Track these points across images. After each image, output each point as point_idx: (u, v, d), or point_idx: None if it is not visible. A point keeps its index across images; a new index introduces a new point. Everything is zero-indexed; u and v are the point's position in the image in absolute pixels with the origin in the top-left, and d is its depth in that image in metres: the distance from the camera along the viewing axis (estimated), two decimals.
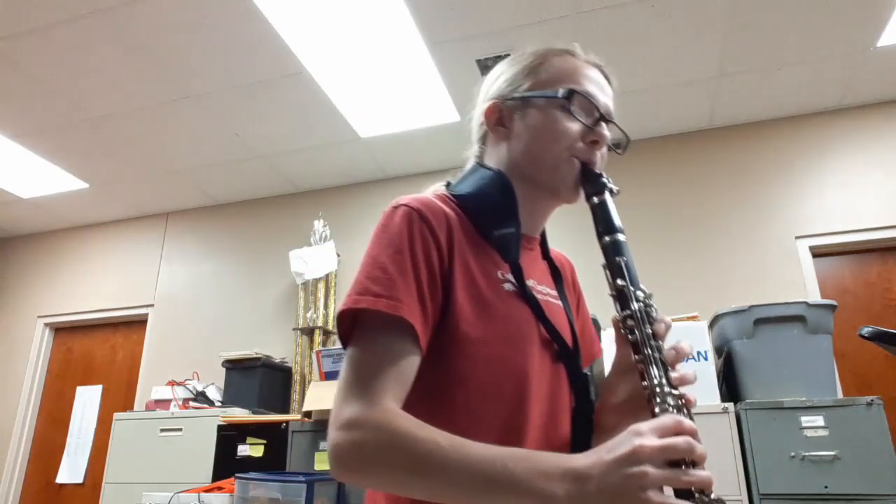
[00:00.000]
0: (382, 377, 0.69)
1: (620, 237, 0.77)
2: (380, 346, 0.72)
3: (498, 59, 2.90)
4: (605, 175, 0.82)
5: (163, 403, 3.45)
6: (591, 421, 0.85)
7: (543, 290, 0.88)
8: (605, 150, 0.87)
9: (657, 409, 0.67)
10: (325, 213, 3.98)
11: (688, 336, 2.51)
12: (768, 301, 2.56)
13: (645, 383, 0.70)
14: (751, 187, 3.33)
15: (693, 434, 0.62)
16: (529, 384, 0.78)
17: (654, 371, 0.69)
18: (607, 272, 0.77)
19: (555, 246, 0.99)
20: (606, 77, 0.92)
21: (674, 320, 2.84)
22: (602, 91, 0.88)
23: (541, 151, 0.85)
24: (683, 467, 0.60)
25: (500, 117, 0.90)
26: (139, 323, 4.32)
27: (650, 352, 0.70)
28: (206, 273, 4.24)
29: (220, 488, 2.69)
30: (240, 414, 3.14)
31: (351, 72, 2.99)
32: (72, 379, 4.40)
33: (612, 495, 0.59)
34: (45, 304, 4.58)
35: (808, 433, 2.23)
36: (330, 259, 3.78)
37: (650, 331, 0.71)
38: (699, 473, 0.60)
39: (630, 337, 0.73)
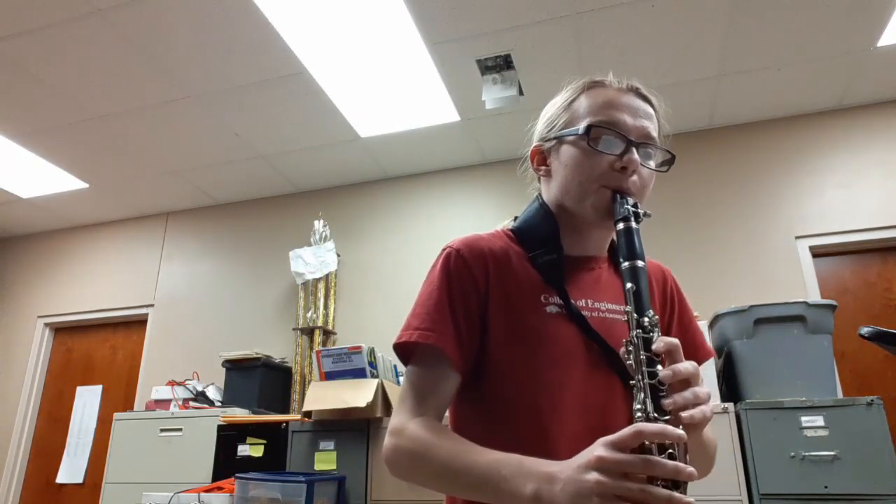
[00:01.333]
0: (422, 395, 0.86)
1: (639, 264, 0.81)
2: (421, 370, 0.88)
3: (498, 59, 2.92)
4: (631, 201, 0.85)
5: (163, 403, 3.45)
6: None
7: (602, 308, 0.92)
8: (644, 172, 0.90)
9: None
10: (325, 213, 3.98)
11: None
12: (768, 301, 2.56)
13: (634, 408, 0.73)
14: (751, 187, 3.33)
15: (659, 440, 0.65)
16: (566, 397, 0.84)
17: (641, 396, 0.72)
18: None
19: None
20: (646, 97, 0.94)
21: None
22: (634, 115, 0.90)
23: (573, 186, 0.91)
24: (657, 483, 0.64)
25: (541, 158, 0.99)
26: (139, 323, 4.32)
27: (640, 377, 0.73)
28: (206, 273, 4.24)
29: (220, 488, 2.69)
30: (240, 414, 3.15)
31: (351, 72, 2.99)
32: (72, 379, 4.40)
33: (571, 495, 0.66)
34: (45, 304, 4.58)
35: (808, 433, 2.23)
36: (330, 259, 3.78)
37: (645, 357, 0.74)
38: (656, 493, 0.63)
39: (628, 362, 0.76)
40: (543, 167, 0.98)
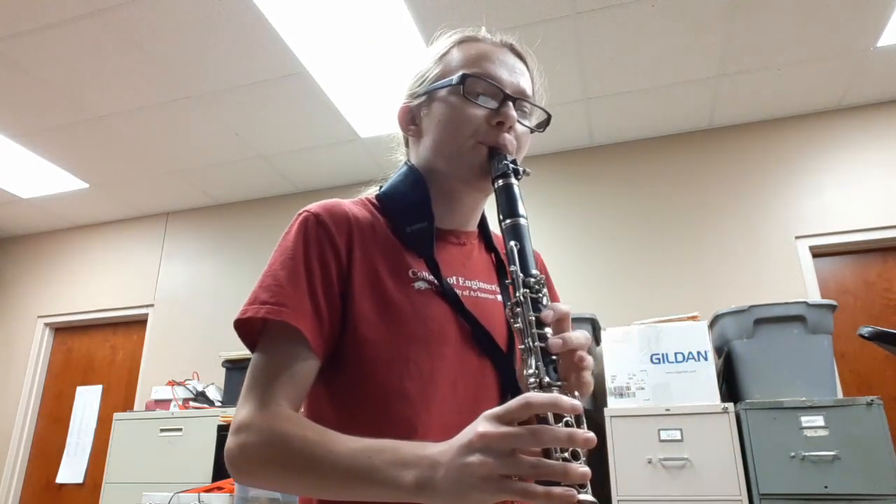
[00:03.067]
0: (273, 382, 0.71)
1: (521, 221, 0.74)
2: (271, 352, 0.74)
3: None
4: (510, 157, 0.79)
5: (163, 403, 3.45)
6: None
7: (473, 286, 0.85)
8: (520, 130, 0.83)
9: None
10: None
11: (688, 336, 2.53)
12: (768, 301, 2.56)
13: (525, 373, 0.66)
14: (751, 187, 3.33)
15: (550, 410, 0.57)
16: (436, 382, 0.76)
17: (533, 361, 0.65)
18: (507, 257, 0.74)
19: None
20: (521, 56, 0.89)
21: (674, 320, 2.81)
22: (511, 71, 0.84)
23: (446, 142, 0.83)
24: (556, 456, 0.57)
25: (410, 117, 0.89)
26: (139, 323, 4.32)
27: (531, 341, 0.67)
28: (206, 273, 4.24)
29: (220, 488, 2.69)
30: None
31: (351, 72, 2.99)
32: (72, 379, 4.40)
33: (454, 481, 0.58)
34: (45, 304, 4.58)
35: (808, 433, 2.23)
36: None
37: (534, 318, 0.68)
38: (548, 465, 0.56)
39: (515, 325, 0.70)
40: (413, 127, 0.89)
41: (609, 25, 2.70)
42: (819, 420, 2.24)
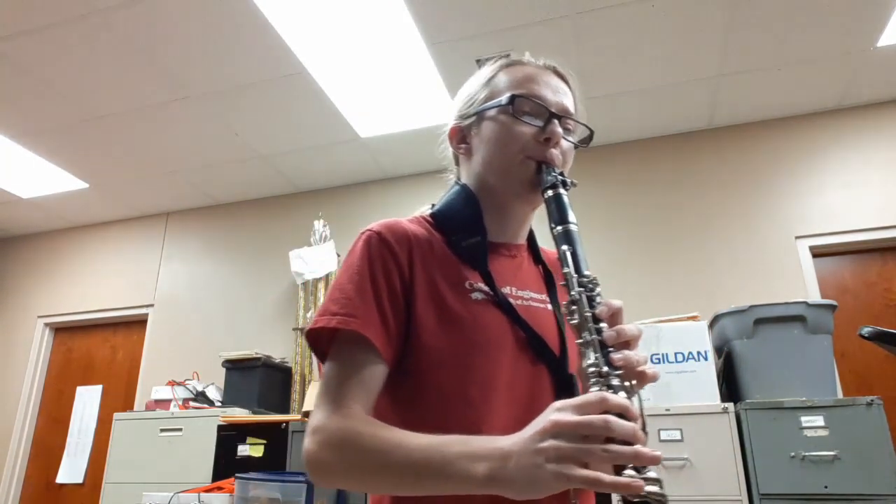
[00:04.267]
0: (345, 387, 0.76)
1: (571, 227, 0.79)
2: (342, 360, 0.79)
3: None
4: (557, 170, 0.84)
5: (163, 403, 3.45)
6: None
7: (525, 295, 0.90)
8: (565, 145, 0.89)
9: (592, 390, 0.68)
10: (325, 213, 3.98)
11: (688, 336, 2.53)
12: (768, 301, 2.56)
13: (584, 364, 0.70)
14: (751, 187, 3.33)
15: (620, 411, 0.61)
16: (496, 387, 0.80)
17: (592, 353, 0.70)
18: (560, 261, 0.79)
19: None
20: (563, 77, 0.95)
21: (674, 320, 2.82)
22: (555, 91, 0.91)
23: (496, 159, 0.89)
24: (614, 444, 0.59)
25: (461, 137, 0.95)
26: (139, 323, 4.32)
27: (589, 334, 0.71)
28: (206, 273, 4.24)
29: (220, 488, 2.69)
30: (240, 414, 3.15)
31: (351, 72, 2.99)
32: (72, 379, 4.40)
33: (526, 469, 0.60)
34: (45, 304, 4.58)
35: (808, 433, 2.23)
36: (330, 259, 3.78)
37: (590, 313, 0.72)
38: (619, 449, 0.58)
39: (572, 322, 0.74)
40: (463, 146, 0.95)
41: (609, 25, 2.70)
42: (819, 420, 2.24)
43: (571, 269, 0.76)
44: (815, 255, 3.14)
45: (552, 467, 0.59)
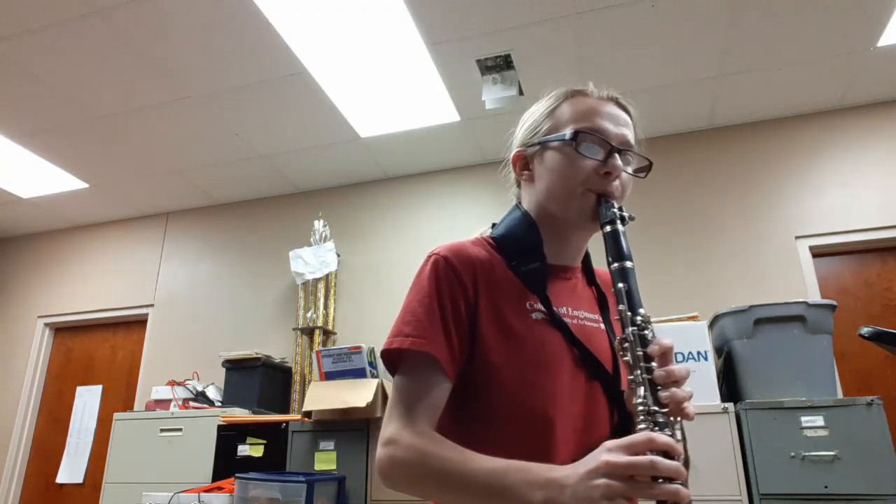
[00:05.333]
0: (414, 403, 0.84)
1: (627, 265, 0.84)
2: (413, 378, 0.86)
3: (498, 59, 2.92)
4: (617, 205, 0.88)
5: (163, 403, 3.45)
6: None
7: (580, 316, 0.95)
8: (624, 177, 0.93)
9: (640, 427, 0.73)
10: (325, 213, 3.98)
11: (688, 336, 2.53)
12: (768, 301, 2.56)
13: (634, 401, 0.76)
14: (751, 187, 3.33)
15: (667, 450, 0.68)
16: (557, 404, 0.85)
17: (641, 391, 0.75)
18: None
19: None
20: (624, 107, 0.98)
21: (674, 320, 2.82)
22: (615, 123, 0.93)
23: (558, 189, 0.93)
24: (659, 481, 0.66)
25: (524, 163, 1.00)
26: (139, 323, 4.32)
27: (640, 373, 0.76)
28: (206, 273, 4.24)
29: (220, 488, 2.69)
30: (240, 414, 3.15)
31: (351, 72, 2.99)
32: (72, 379, 4.40)
33: (580, 501, 0.68)
34: (45, 304, 4.58)
35: (808, 433, 2.23)
36: (330, 259, 3.78)
37: (641, 353, 0.77)
38: (665, 487, 0.66)
39: (625, 359, 0.79)
40: (526, 172, 0.99)
41: (609, 25, 2.70)
42: (819, 420, 2.24)
43: (626, 306, 0.81)
44: (815, 255, 3.14)
45: (604, 502, 0.66)
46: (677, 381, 0.77)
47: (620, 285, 0.83)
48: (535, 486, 0.71)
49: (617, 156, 0.91)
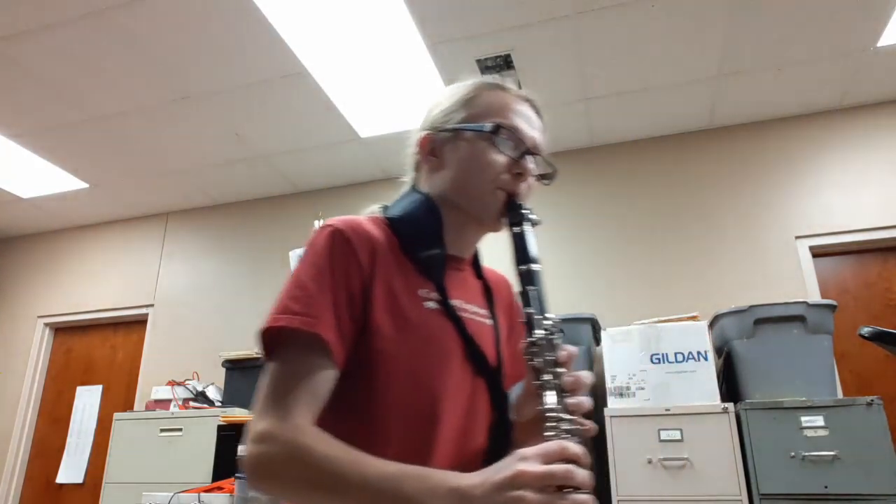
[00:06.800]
0: (296, 393, 0.73)
1: (534, 267, 0.81)
2: (295, 363, 0.75)
3: (498, 59, 2.92)
4: (526, 207, 0.86)
5: (163, 403, 3.45)
6: (508, 436, 0.88)
7: (471, 309, 0.91)
8: (531, 181, 0.91)
9: (548, 434, 0.70)
10: (325, 213, 3.96)
11: (688, 336, 2.53)
12: (768, 301, 2.56)
13: (540, 407, 0.73)
14: (751, 187, 3.33)
15: (577, 460, 0.65)
16: (444, 399, 0.81)
17: (550, 396, 0.72)
18: (520, 299, 0.80)
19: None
20: (537, 111, 0.95)
21: (674, 320, 2.82)
22: (530, 125, 0.91)
23: (468, 182, 0.89)
24: (566, 491, 0.63)
25: (432, 148, 0.95)
26: (139, 323, 4.32)
27: (548, 377, 0.74)
28: (207, 273, 4.23)
29: (220, 488, 2.69)
30: (240, 414, 3.14)
31: (351, 72, 2.99)
32: (72, 379, 4.40)
33: None
34: (45, 304, 4.58)
35: (808, 433, 2.24)
36: None
37: (553, 357, 0.75)
38: (578, 498, 0.63)
39: (531, 362, 0.76)
40: (433, 158, 0.94)
41: (609, 25, 2.70)
42: (819, 420, 2.24)
43: (536, 310, 0.77)
44: (815, 255, 3.14)
45: None
46: (582, 389, 0.75)
47: (527, 288, 0.79)
48: (438, 496, 0.65)
49: (530, 158, 0.89)
